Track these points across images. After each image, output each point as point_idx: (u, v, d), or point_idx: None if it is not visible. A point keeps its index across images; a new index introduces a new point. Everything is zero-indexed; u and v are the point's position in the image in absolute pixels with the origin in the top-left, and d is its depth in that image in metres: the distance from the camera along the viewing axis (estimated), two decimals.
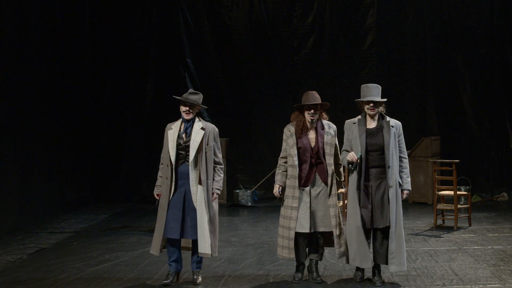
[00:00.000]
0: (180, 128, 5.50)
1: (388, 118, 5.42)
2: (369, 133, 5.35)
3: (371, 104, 5.36)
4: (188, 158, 5.39)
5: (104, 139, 11.36)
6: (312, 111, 5.48)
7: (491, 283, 5.46)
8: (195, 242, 5.49)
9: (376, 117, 5.42)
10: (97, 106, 11.28)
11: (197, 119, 5.55)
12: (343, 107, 11.00)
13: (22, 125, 8.65)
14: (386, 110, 5.61)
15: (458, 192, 8.30)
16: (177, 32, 11.47)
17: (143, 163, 11.21)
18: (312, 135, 5.53)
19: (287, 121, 5.67)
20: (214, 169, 5.54)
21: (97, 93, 11.27)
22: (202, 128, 5.47)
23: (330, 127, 5.60)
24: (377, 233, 5.39)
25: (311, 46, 11.45)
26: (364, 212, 5.29)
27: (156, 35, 11.49)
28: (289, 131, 5.57)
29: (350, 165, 5.31)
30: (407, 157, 5.50)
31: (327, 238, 5.55)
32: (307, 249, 5.61)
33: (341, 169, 5.71)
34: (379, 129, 5.36)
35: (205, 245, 5.38)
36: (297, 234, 5.45)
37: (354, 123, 5.45)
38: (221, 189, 5.68)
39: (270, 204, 10.45)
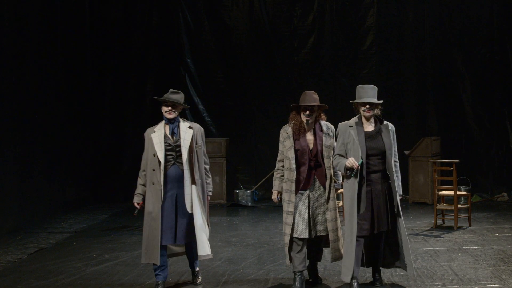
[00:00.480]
0: (165, 129, 5.29)
1: (385, 121, 5.21)
2: (368, 136, 5.09)
3: (367, 106, 5.09)
4: (180, 159, 5.19)
5: (104, 139, 11.37)
6: (308, 112, 5.26)
7: (491, 283, 5.46)
8: (187, 246, 5.36)
9: (373, 120, 5.17)
10: (97, 106, 11.28)
11: (181, 119, 5.38)
12: (343, 108, 10.98)
13: (22, 125, 8.65)
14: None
15: (458, 192, 8.30)
16: (177, 32, 11.48)
17: None
18: (310, 136, 5.32)
19: (287, 121, 5.50)
20: None
21: (97, 93, 11.27)
22: (190, 127, 5.32)
23: (328, 128, 5.40)
24: (377, 239, 5.20)
25: (311, 46, 11.45)
26: (366, 219, 5.04)
27: (156, 35, 11.49)
28: (286, 132, 5.35)
29: (348, 172, 5.01)
30: (398, 160, 5.28)
31: (326, 240, 5.41)
32: (307, 251, 5.40)
33: (339, 171, 5.48)
34: (378, 132, 5.12)
35: (204, 247, 5.26)
36: (296, 240, 5.23)
37: (350, 126, 5.15)
38: (212, 190, 5.57)
39: (270, 204, 10.45)
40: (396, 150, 5.22)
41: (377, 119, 5.19)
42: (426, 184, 10.19)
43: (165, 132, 5.27)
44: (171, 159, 5.21)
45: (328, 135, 5.33)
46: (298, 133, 5.28)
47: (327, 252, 5.58)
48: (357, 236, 5.01)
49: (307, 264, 5.44)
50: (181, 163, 5.19)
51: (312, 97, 5.31)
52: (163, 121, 5.33)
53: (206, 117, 11.54)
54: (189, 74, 11.51)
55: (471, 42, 11.14)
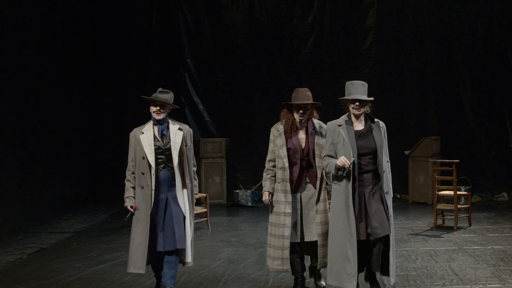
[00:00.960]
0: (154, 131, 5.01)
1: (375, 119, 4.92)
2: (359, 135, 4.79)
3: (357, 103, 4.78)
4: (170, 162, 4.95)
5: (104, 139, 11.36)
6: (301, 111, 5.04)
7: (491, 283, 5.46)
8: (169, 254, 5.00)
9: (363, 118, 4.86)
10: (97, 106, 11.28)
11: (170, 120, 5.11)
12: (342, 108, 10.99)
13: (22, 125, 8.66)
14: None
15: (458, 192, 8.30)
16: (177, 32, 11.48)
17: None
18: (302, 135, 5.11)
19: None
20: None
21: (97, 93, 11.27)
22: (180, 129, 5.07)
23: (321, 127, 5.17)
24: (374, 243, 4.79)
25: (311, 46, 11.45)
26: (357, 222, 4.70)
27: (156, 35, 11.50)
28: (278, 130, 5.15)
29: (339, 172, 4.69)
30: (389, 160, 4.98)
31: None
32: (308, 256, 5.25)
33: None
34: (368, 130, 4.83)
35: (189, 254, 5.03)
36: (290, 244, 5.05)
37: (339, 125, 4.84)
38: (197, 193, 5.38)
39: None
40: (387, 149, 4.95)
41: (367, 117, 4.92)
42: (426, 184, 10.19)
43: (154, 134, 5.00)
44: (161, 163, 4.97)
45: (321, 134, 5.14)
46: (290, 132, 5.08)
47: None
48: (345, 240, 4.70)
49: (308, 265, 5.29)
50: (172, 167, 4.96)
51: (305, 95, 5.08)
52: (151, 122, 5.06)
53: (206, 117, 11.55)
54: (189, 74, 11.51)
55: (471, 42, 11.14)
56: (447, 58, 11.24)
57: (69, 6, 10.28)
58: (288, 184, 5.03)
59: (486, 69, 11.13)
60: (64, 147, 10.00)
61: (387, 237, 4.78)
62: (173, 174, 4.96)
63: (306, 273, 5.39)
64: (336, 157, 4.80)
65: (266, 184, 5.18)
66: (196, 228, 8.23)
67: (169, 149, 4.96)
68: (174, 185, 4.97)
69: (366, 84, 4.88)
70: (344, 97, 4.88)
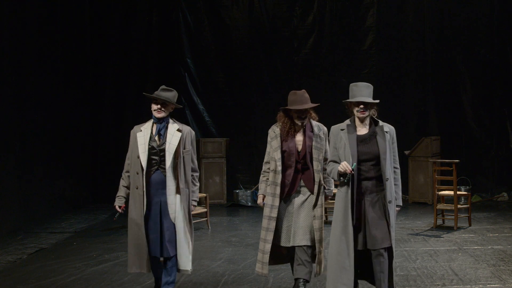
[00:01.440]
0: (152, 129, 4.82)
1: (381, 123, 4.62)
2: (361, 140, 4.53)
3: (361, 106, 4.51)
4: (163, 164, 4.74)
5: (104, 139, 11.36)
6: (302, 116, 4.90)
7: (491, 283, 5.46)
8: (167, 260, 4.85)
9: (367, 122, 4.59)
10: (97, 106, 11.27)
11: (171, 120, 4.89)
12: (343, 108, 10.92)
13: (22, 125, 8.66)
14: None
15: (458, 192, 8.30)
16: (177, 32, 11.48)
17: None
18: (299, 137, 4.93)
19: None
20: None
21: (97, 93, 11.27)
22: (179, 130, 4.83)
23: (320, 129, 4.99)
24: (373, 255, 4.51)
25: (311, 46, 11.45)
26: (356, 231, 4.46)
27: (156, 35, 11.49)
28: (274, 132, 4.98)
29: (341, 178, 4.46)
30: (399, 167, 4.71)
31: (314, 253, 4.97)
32: (294, 266, 5.01)
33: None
34: (372, 135, 4.54)
35: (186, 261, 4.84)
36: (282, 248, 4.94)
37: (342, 129, 4.59)
38: (198, 200, 5.12)
39: None
40: (397, 155, 4.66)
41: (372, 121, 4.64)
42: (426, 184, 10.20)
43: (151, 133, 4.81)
44: (155, 164, 4.75)
45: (319, 136, 4.95)
46: (287, 134, 4.92)
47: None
48: (343, 249, 4.47)
49: (306, 271, 4.93)
50: (165, 169, 4.74)
51: (304, 97, 4.90)
52: (151, 120, 4.87)
53: (206, 117, 11.55)
54: (189, 74, 11.51)
55: (471, 42, 11.14)
56: (447, 58, 11.24)
57: (69, 6, 10.27)
58: (278, 188, 4.87)
59: (486, 69, 11.13)
60: (64, 147, 9.99)
61: (389, 249, 4.48)
62: (166, 177, 4.75)
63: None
64: (339, 163, 4.54)
65: (261, 187, 5.06)
66: (196, 228, 8.24)
67: (163, 150, 4.74)
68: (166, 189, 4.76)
69: (372, 86, 4.64)
70: (347, 100, 4.63)
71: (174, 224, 4.77)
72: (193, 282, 5.65)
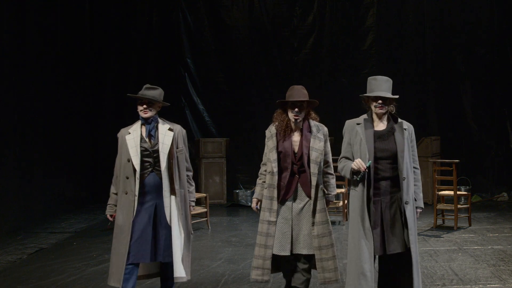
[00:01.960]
0: (141, 131, 4.60)
1: (399, 120, 4.37)
2: (378, 136, 4.24)
3: (380, 101, 4.24)
4: (158, 166, 4.52)
5: (104, 139, 11.34)
6: (296, 109, 4.59)
7: (491, 283, 5.46)
8: (165, 266, 4.65)
9: (385, 118, 4.33)
10: (97, 106, 11.27)
11: (160, 120, 4.69)
12: (343, 108, 11.01)
13: (22, 125, 8.65)
14: None
15: (458, 192, 8.30)
16: (177, 32, 11.48)
17: None
18: (296, 137, 4.67)
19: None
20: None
21: (97, 93, 11.27)
22: (170, 129, 4.63)
23: (319, 129, 4.72)
24: (391, 261, 4.29)
25: (311, 46, 11.45)
26: (373, 234, 4.18)
27: (156, 35, 11.50)
28: (270, 132, 4.74)
29: (355, 176, 4.19)
30: (419, 167, 4.44)
31: (314, 261, 4.70)
32: (292, 274, 4.83)
33: (333, 180, 4.84)
34: (390, 132, 4.26)
35: (181, 268, 4.56)
36: (278, 257, 4.64)
37: (358, 124, 4.31)
38: (195, 200, 4.92)
39: None
40: (416, 155, 4.39)
41: (390, 117, 4.37)
42: (426, 184, 10.17)
43: (141, 135, 4.58)
44: (149, 166, 4.53)
45: (318, 137, 4.67)
46: (284, 133, 4.66)
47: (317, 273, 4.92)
48: (361, 254, 4.18)
49: (303, 279, 4.76)
50: (160, 171, 4.52)
51: (301, 92, 4.67)
52: (139, 121, 4.66)
53: (206, 117, 11.55)
54: (189, 74, 11.51)
55: (471, 42, 11.14)
56: (447, 58, 11.24)
57: (69, 6, 10.28)
58: (275, 191, 4.61)
59: (486, 69, 11.14)
60: (64, 147, 9.99)
61: (408, 254, 4.18)
62: (161, 179, 4.53)
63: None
64: (352, 160, 4.29)
65: (257, 190, 4.85)
66: (196, 228, 8.24)
67: (157, 151, 4.53)
68: (162, 191, 4.55)
69: (391, 80, 4.38)
70: (365, 94, 4.33)
71: (166, 230, 4.53)
72: (193, 282, 5.65)
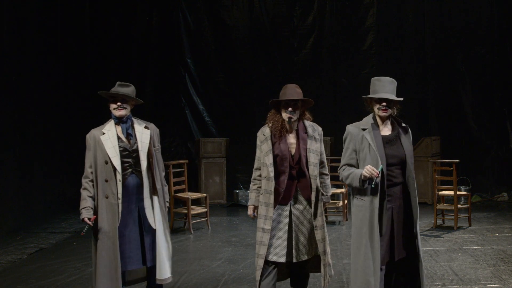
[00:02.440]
0: (116, 130, 4.39)
1: (403, 122, 4.22)
2: (386, 141, 4.03)
3: (384, 104, 4.03)
4: (138, 166, 4.32)
5: None
6: (290, 108, 4.38)
7: (491, 283, 5.46)
8: (152, 270, 4.45)
9: (389, 121, 4.14)
10: (97, 106, 11.25)
11: (134, 118, 4.52)
12: (343, 108, 11.01)
13: (22, 125, 8.66)
14: None
15: (458, 192, 8.30)
16: (177, 32, 11.48)
17: None
18: (292, 139, 4.46)
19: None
20: None
21: (97, 93, 11.25)
22: (146, 127, 4.48)
23: (314, 130, 4.52)
24: (401, 266, 4.13)
25: (311, 46, 11.46)
26: (384, 244, 3.98)
27: (156, 35, 11.50)
28: (264, 134, 4.51)
29: (365, 184, 3.91)
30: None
31: (315, 263, 4.55)
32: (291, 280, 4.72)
33: (328, 180, 4.69)
34: (397, 136, 4.08)
35: (164, 270, 4.41)
36: (272, 264, 4.41)
37: (364, 129, 4.05)
38: (168, 200, 4.71)
39: None
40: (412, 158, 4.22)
41: (394, 121, 4.19)
42: (426, 184, 10.19)
43: (117, 134, 4.37)
44: (128, 167, 4.31)
45: (314, 138, 4.48)
46: (279, 135, 4.44)
47: (319, 276, 4.88)
48: (371, 264, 3.96)
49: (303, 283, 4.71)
50: (140, 172, 4.32)
51: (294, 91, 4.47)
52: (111, 121, 4.45)
53: (206, 117, 11.55)
54: (189, 74, 11.51)
55: (471, 42, 11.14)
56: (447, 58, 11.24)
57: (69, 6, 10.27)
58: (272, 197, 4.37)
59: (486, 69, 11.14)
60: (64, 147, 9.99)
61: (411, 257, 4.11)
62: (142, 180, 4.35)
63: None
64: (357, 167, 4.06)
65: (252, 197, 4.59)
66: (196, 228, 8.24)
67: (136, 151, 4.34)
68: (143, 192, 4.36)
69: (395, 82, 4.21)
70: (368, 95, 4.11)
71: (150, 232, 4.38)
72: (193, 282, 5.65)
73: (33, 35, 9.11)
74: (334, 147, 10.44)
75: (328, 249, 4.47)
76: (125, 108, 4.42)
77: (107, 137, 4.33)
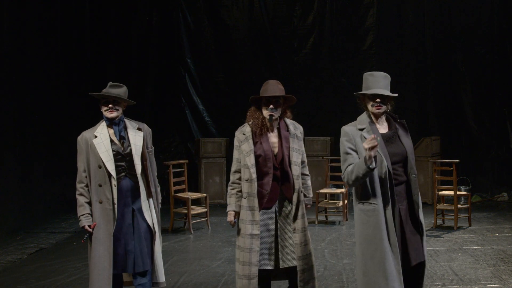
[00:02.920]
0: (109, 133, 4.24)
1: (398, 118, 4.01)
2: (386, 139, 3.82)
3: (378, 100, 3.80)
4: (133, 170, 4.21)
5: None
6: (271, 106, 4.17)
7: (491, 283, 5.46)
8: (141, 275, 4.27)
9: (384, 118, 3.91)
10: (97, 106, 11.24)
11: (126, 119, 4.39)
12: (343, 108, 11.00)
13: (22, 125, 8.66)
14: None
15: (458, 192, 8.30)
16: (177, 32, 11.48)
17: None
18: (274, 138, 4.25)
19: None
20: None
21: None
22: (139, 129, 4.35)
23: (296, 128, 4.33)
24: (410, 273, 3.91)
25: (311, 46, 11.46)
26: (395, 246, 3.74)
27: (156, 35, 11.50)
28: (244, 134, 4.31)
29: (370, 166, 3.57)
30: None
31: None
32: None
33: (309, 181, 4.50)
34: (395, 133, 3.87)
35: (161, 273, 4.33)
36: (263, 271, 4.21)
37: (361, 129, 3.83)
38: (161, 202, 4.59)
39: None
40: None
41: (389, 117, 3.98)
42: (426, 184, 10.19)
43: (110, 137, 4.23)
44: (122, 171, 4.20)
45: (296, 136, 4.28)
46: (260, 134, 4.23)
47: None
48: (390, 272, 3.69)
49: None
50: (135, 175, 4.22)
51: (277, 87, 4.22)
52: (103, 122, 4.29)
53: (206, 117, 11.55)
54: (189, 74, 11.51)
55: (471, 42, 11.14)
56: (447, 58, 11.24)
57: (69, 6, 10.28)
58: (256, 200, 4.14)
59: (486, 69, 11.14)
60: (65, 147, 9.97)
61: (422, 265, 3.95)
62: (136, 183, 4.23)
63: None
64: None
65: (231, 202, 4.29)
66: (196, 228, 8.24)
67: (130, 154, 4.21)
68: (138, 196, 4.24)
69: (389, 77, 3.95)
70: (361, 92, 3.89)
71: (150, 234, 4.28)
72: (193, 282, 5.65)
73: (33, 35, 9.11)
74: (334, 147, 10.44)
75: (311, 256, 4.23)
76: (117, 110, 4.26)
77: (100, 141, 4.18)
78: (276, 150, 4.21)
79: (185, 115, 11.43)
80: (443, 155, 10.56)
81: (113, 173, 4.13)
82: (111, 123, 4.26)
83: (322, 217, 8.73)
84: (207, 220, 8.43)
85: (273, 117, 4.19)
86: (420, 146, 10.32)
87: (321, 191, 8.70)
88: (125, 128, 4.30)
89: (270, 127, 4.25)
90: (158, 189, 4.48)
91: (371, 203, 3.72)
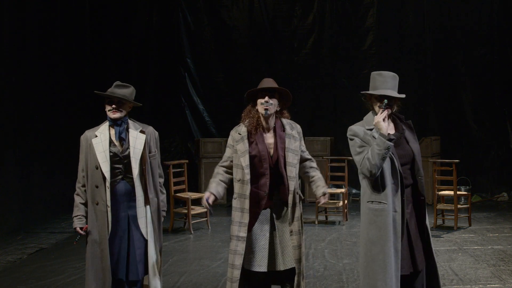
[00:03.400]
0: (110, 134, 4.12)
1: (404, 118, 3.96)
2: (394, 141, 3.66)
3: (385, 101, 3.71)
4: (129, 173, 4.06)
5: None
6: (266, 98, 4.06)
7: (491, 283, 5.46)
8: (132, 284, 4.18)
9: (390, 118, 3.85)
10: (97, 106, 11.24)
11: (130, 121, 4.25)
12: (343, 108, 11.00)
13: (22, 125, 8.66)
14: None
15: (458, 192, 8.30)
16: (177, 32, 11.49)
17: None
18: (270, 139, 4.09)
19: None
20: None
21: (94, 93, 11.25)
22: (142, 132, 4.19)
23: (292, 128, 4.17)
24: (418, 278, 3.76)
25: (311, 46, 11.46)
26: (404, 250, 3.65)
27: (156, 35, 11.50)
28: (239, 133, 4.10)
29: (391, 137, 3.55)
30: None
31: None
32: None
33: (319, 173, 4.33)
34: (402, 134, 3.80)
35: (156, 281, 4.18)
36: (255, 274, 4.04)
37: (369, 130, 3.72)
38: (166, 210, 4.41)
39: None
40: None
41: (395, 117, 3.90)
42: (426, 184, 10.02)
43: (110, 138, 4.10)
44: (119, 173, 4.06)
45: (293, 136, 4.12)
46: (255, 133, 4.07)
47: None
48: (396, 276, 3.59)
49: None
50: (131, 178, 4.07)
51: (271, 83, 4.25)
52: (106, 122, 4.18)
53: (206, 117, 11.55)
54: (189, 74, 11.52)
55: (471, 42, 11.14)
56: (447, 58, 11.24)
57: (69, 6, 10.27)
58: (247, 202, 4.06)
59: (486, 69, 11.14)
60: (64, 147, 9.98)
61: (434, 269, 3.79)
62: (133, 187, 4.07)
63: None
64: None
65: (212, 186, 4.21)
66: (196, 228, 8.24)
67: (128, 157, 4.06)
68: (134, 201, 4.08)
69: (397, 77, 3.89)
70: (368, 92, 3.78)
71: (145, 241, 4.12)
72: (193, 282, 5.65)
73: (33, 35, 9.11)
74: (334, 147, 10.43)
75: (303, 258, 4.12)
76: (120, 111, 4.15)
77: (99, 141, 4.08)
78: (272, 150, 4.08)
79: (185, 115, 11.43)
80: (443, 155, 10.55)
81: (107, 175, 4.01)
82: (113, 123, 4.15)
83: (322, 217, 8.73)
84: (207, 220, 8.43)
85: (268, 112, 4.05)
86: (420, 146, 10.31)
87: None
88: (127, 129, 4.17)
89: (266, 126, 4.11)
90: (163, 196, 4.30)
91: (381, 202, 3.62)
